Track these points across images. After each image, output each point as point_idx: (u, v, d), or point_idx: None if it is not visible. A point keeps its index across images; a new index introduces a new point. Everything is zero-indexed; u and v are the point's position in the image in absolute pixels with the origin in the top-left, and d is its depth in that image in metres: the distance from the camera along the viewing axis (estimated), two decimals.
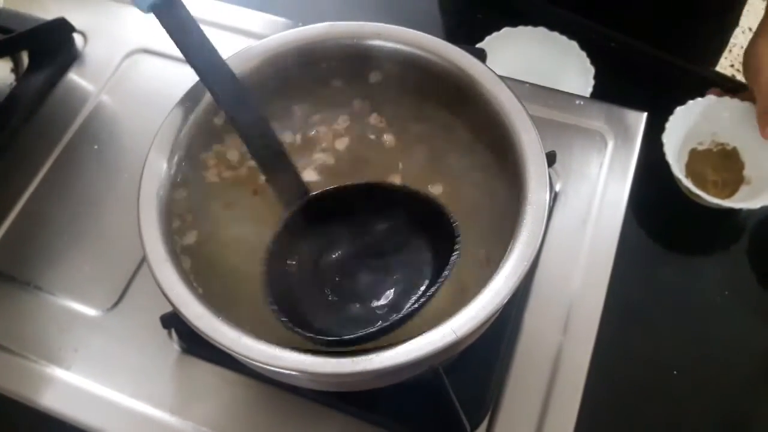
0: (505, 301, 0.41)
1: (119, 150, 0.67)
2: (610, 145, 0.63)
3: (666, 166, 0.63)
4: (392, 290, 0.46)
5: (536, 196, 0.45)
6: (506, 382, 0.53)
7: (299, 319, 0.44)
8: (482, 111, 0.50)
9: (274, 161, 0.48)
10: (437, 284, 0.43)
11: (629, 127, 0.64)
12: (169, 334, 0.56)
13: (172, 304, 0.43)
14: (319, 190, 0.49)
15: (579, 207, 0.60)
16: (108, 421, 0.54)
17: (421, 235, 0.47)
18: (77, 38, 0.74)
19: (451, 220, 0.44)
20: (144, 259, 0.57)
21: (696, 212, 0.65)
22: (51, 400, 0.55)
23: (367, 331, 0.42)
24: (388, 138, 0.54)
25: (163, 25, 0.46)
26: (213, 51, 0.47)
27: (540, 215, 0.44)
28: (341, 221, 0.48)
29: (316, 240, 0.48)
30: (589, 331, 0.55)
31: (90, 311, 0.58)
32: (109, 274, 0.60)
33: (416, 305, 0.43)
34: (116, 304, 0.58)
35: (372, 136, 0.54)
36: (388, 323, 0.42)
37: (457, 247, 0.43)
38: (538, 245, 0.43)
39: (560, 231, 0.59)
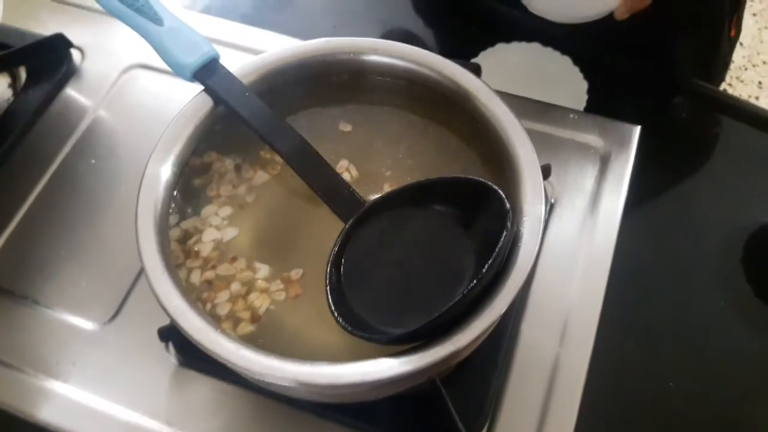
0: (503, 312, 0.42)
1: (117, 164, 0.67)
2: (604, 157, 0.64)
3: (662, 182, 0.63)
4: (448, 279, 0.45)
5: (532, 208, 0.45)
6: (504, 393, 0.53)
7: (360, 322, 0.44)
8: (478, 125, 0.51)
9: (324, 180, 0.50)
10: (489, 263, 0.41)
11: (623, 140, 0.64)
12: (167, 347, 0.56)
13: (170, 316, 0.43)
14: (375, 197, 0.50)
15: (574, 219, 0.61)
16: None
17: (470, 221, 0.47)
18: (75, 54, 0.74)
19: (502, 197, 0.43)
20: (141, 272, 0.58)
21: (692, 223, 0.65)
22: (49, 414, 0.55)
23: (427, 321, 0.41)
24: (380, 152, 0.54)
25: (206, 89, 0.51)
26: (253, 97, 0.51)
27: (536, 227, 0.45)
28: (392, 223, 0.49)
29: (370, 245, 0.48)
30: (586, 341, 0.55)
31: (87, 325, 0.58)
32: (107, 288, 0.60)
33: (473, 285, 0.41)
34: (114, 317, 0.58)
35: (365, 151, 0.55)
36: (446, 308, 0.41)
37: (508, 223, 0.42)
38: (534, 257, 0.43)
39: (556, 243, 0.60)
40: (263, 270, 0.49)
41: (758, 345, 0.60)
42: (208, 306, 0.48)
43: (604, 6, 0.60)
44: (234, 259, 0.50)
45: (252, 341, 0.44)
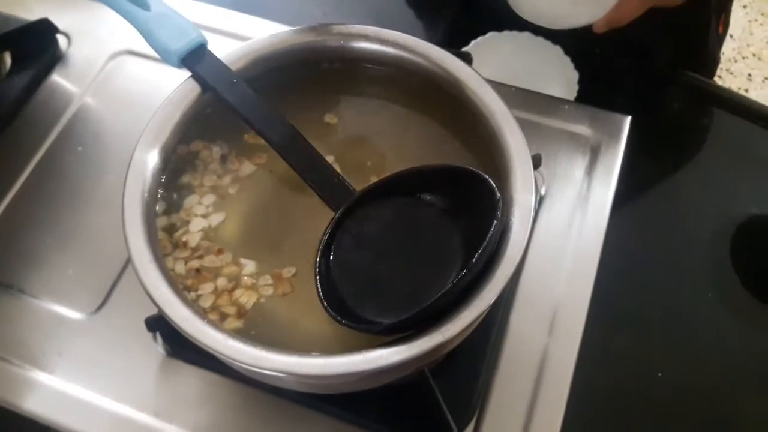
0: (491, 302, 0.41)
1: (103, 151, 0.66)
2: (595, 148, 0.63)
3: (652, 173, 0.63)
4: (438, 269, 0.45)
5: (522, 198, 0.45)
6: (493, 384, 0.53)
7: (350, 312, 0.44)
8: (468, 114, 0.50)
9: (314, 169, 0.49)
10: (479, 253, 0.41)
11: (613, 130, 0.64)
12: (154, 337, 0.56)
13: (157, 305, 0.42)
14: (365, 186, 0.49)
15: (564, 209, 0.61)
16: (92, 425, 0.53)
17: (460, 210, 0.46)
18: (61, 39, 0.73)
19: (493, 186, 0.43)
20: (128, 262, 0.58)
21: (681, 214, 0.65)
22: (34, 405, 0.54)
23: (417, 310, 0.41)
24: (368, 142, 0.54)
25: (194, 75, 0.51)
26: (241, 84, 0.50)
27: (526, 217, 0.44)
28: (383, 212, 0.48)
29: (361, 234, 0.48)
30: (574, 332, 0.55)
31: (74, 314, 0.58)
32: (94, 277, 0.59)
33: (463, 274, 0.41)
34: (100, 307, 0.58)
35: (352, 140, 0.54)
36: (436, 298, 0.40)
37: (498, 212, 0.42)
38: (524, 247, 0.43)
39: (546, 233, 0.60)
40: (250, 266, 0.49)
41: (746, 335, 0.60)
42: (192, 295, 0.47)
43: (587, 17, 0.60)
44: (220, 252, 0.49)
45: (242, 335, 0.43)
